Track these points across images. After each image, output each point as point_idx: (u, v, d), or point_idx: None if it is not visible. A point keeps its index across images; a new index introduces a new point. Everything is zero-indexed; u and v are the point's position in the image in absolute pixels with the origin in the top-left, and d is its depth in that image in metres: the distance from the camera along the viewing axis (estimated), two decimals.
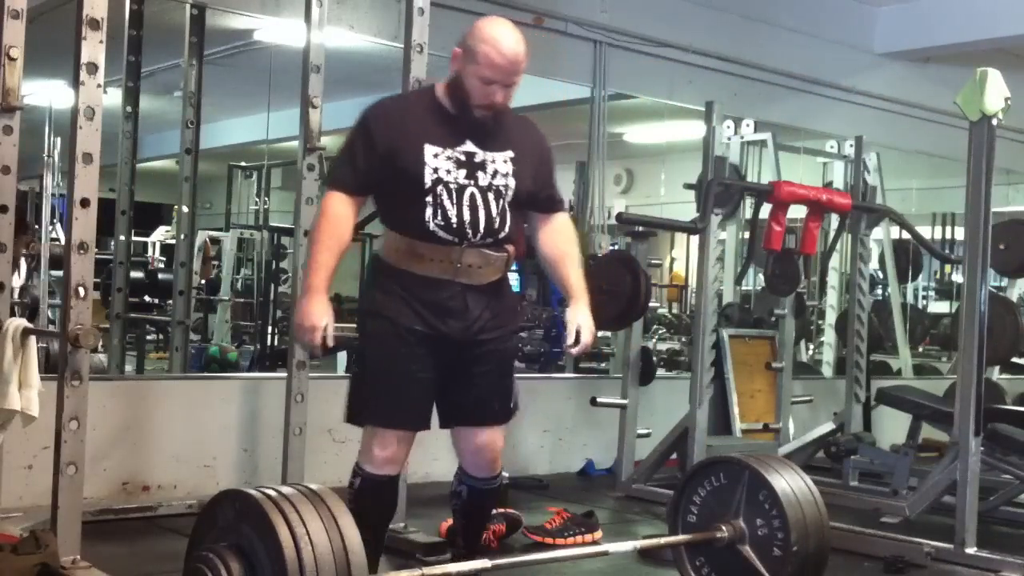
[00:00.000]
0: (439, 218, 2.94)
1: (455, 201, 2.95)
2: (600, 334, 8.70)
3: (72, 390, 3.21)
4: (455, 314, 2.99)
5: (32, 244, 5.84)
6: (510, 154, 3.04)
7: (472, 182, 2.98)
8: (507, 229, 3.03)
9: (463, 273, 2.98)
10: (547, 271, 3.26)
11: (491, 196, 3.00)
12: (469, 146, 3.00)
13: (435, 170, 2.95)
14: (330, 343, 2.92)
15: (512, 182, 3.03)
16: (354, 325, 3.23)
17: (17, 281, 5.60)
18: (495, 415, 3.12)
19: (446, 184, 2.95)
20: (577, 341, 3.08)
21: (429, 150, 2.96)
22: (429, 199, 2.94)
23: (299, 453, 4.31)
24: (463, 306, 2.99)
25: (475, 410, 3.09)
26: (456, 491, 3.23)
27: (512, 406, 3.15)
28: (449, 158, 2.97)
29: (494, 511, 4.28)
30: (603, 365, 8.02)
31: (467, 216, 2.96)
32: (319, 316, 2.90)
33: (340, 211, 2.96)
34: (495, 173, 3.01)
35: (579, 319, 3.10)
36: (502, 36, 2.93)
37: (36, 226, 6.93)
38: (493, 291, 3.05)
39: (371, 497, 3.05)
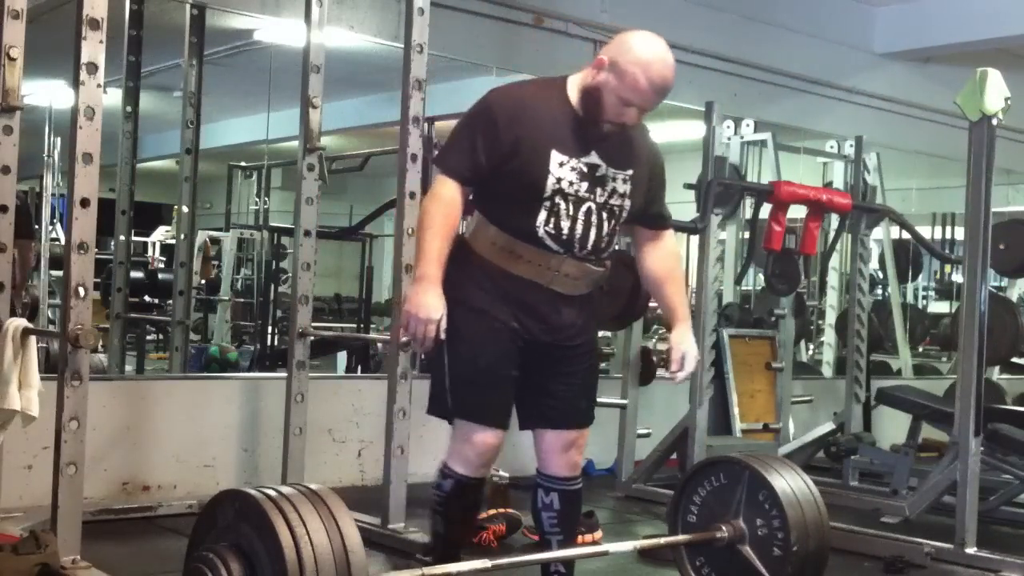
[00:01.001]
0: (551, 226, 2.84)
1: (571, 213, 2.84)
2: (600, 334, 8.74)
3: (72, 390, 3.20)
4: (546, 319, 2.91)
5: (34, 245, 5.82)
6: (630, 172, 2.93)
7: (591, 196, 2.87)
8: (612, 247, 2.98)
9: (558, 281, 2.89)
10: (649, 289, 3.19)
11: (605, 214, 2.90)
12: (594, 157, 2.87)
13: (558, 180, 2.82)
14: (442, 336, 2.78)
15: (628, 204, 2.93)
16: (354, 325, 3.21)
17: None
18: (585, 417, 3.07)
19: (565, 195, 2.83)
20: (681, 367, 3.01)
21: (556, 157, 2.82)
22: (546, 206, 2.83)
23: (299, 453, 4.31)
24: (554, 312, 2.92)
25: (566, 412, 3.02)
26: (547, 503, 3.06)
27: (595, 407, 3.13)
28: (574, 168, 2.84)
29: (495, 511, 4.29)
30: (603, 365, 8.03)
31: (579, 230, 2.86)
32: (436, 308, 2.75)
33: (454, 198, 2.82)
34: (613, 192, 2.90)
35: (684, 345, 3.02)
36: (655, 62, 2.80)
37: (36, 226, 6.93)
38: (584, 301, 2.99)
39: (465, 498, 2.99)
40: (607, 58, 2.83)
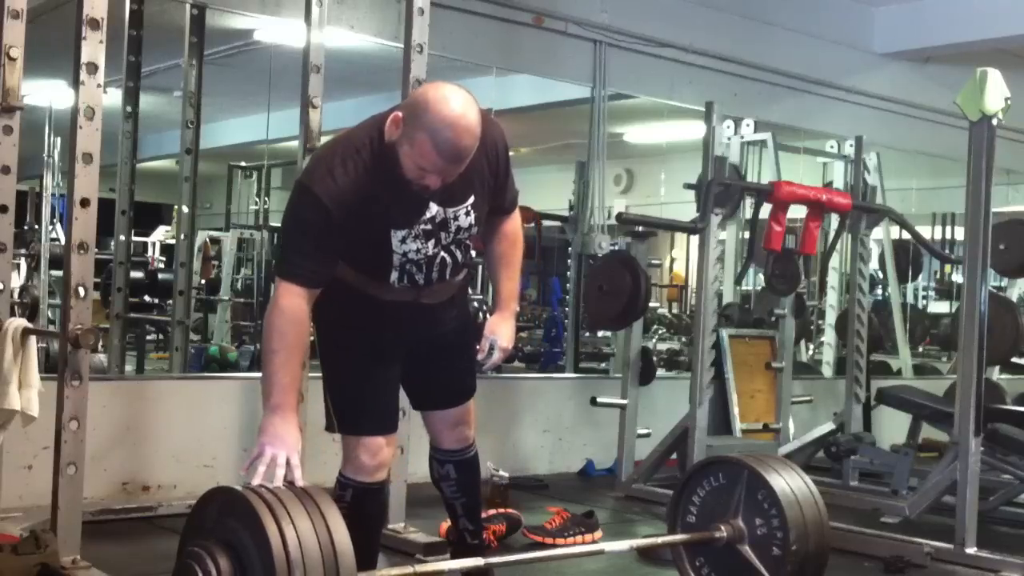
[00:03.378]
0: (405, 281, 2.85)
1: (424, 271, 2.85)
2: (600, 334, 8.73)
3: (72, 390, 3.21)
4: (420, 322, 2.97)
5: (32, 244, 5.82)
6: (470, 201, 2.84)
7: (438, 247, 2.84)
8: (469, 261, 2.99)
9: (425, 297, 2.93)
10: (488, 270, 3.18)
11: (456, 249, 2.88)
12: (432, 209, 2.78)
13: (404, 254, 2.79)
14: (295, 477, 2.57)
15: (476, 226, 2.89)
16: None
17: (17, 281, 5.57)
18: (468, 392, 3.16)
19: (415, 262, 2.83)
20: (490, 354, 2.98)
21: (395, 235, 2.76)
22: (395, 273, 2.83)
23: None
24: (428, 314, 2.97)
25: (446, 393, 3.12)
26: (443, 473, 3.21)
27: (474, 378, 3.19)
28: (416, 236, 2.78)
29: (495, 511, 4.29)
30: (603, 365, 8.02)
31: (434, 275, 2.87)
32: (294, 443, 2.59)
33: (303, 310, 2.66)
34: (458, 229, 2.85)
35: (497, 332, 2.99)
36: (443, 129, 2.55)
37: (36, 226, 6.94)
38: (452, 298, 3.05)
39: (368, 505, 2.99)
40: (402, 115, 2.63)
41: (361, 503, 2.95)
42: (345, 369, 2.93)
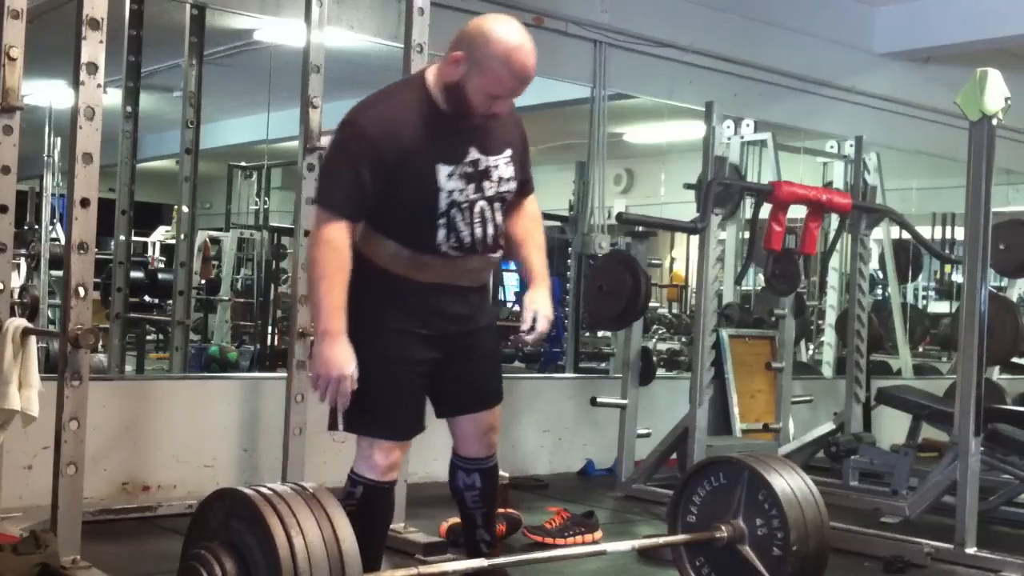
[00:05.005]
0: (452, 240, 2.82)
1: (468, 220, 2.83)
2: (600, 334, 8.72)
3: (72, 390, 3.21)
4: (455, 313, 2.93)
5: (32, 244, 5.81)
6: (508, 153, 2.90)
7: (480, 195, 2.84)
8: (500, 238, 2.96)
9: (465, 277, 2.92)
10: (509, 253, 3.12)
11: (496, 205, 2.89)
12: (473, 153, 2.82)
13: (450, 192, 2.78)
14: (354, 387, 2.72)
15: (514, 185, 2.93)
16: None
17: (17, 281, 5.57)
18: (497, 395, 3.10)
19: (459, 205, 2.80)
20: (533, 327, 2.93)
21: (442, 171, 2.77)
22: (442, 222, 2.80)
23: (299, 453, 4.31)
24: (462, 304, 2.94)
25: (478, 396, 3.06)
26: (469, 483, 3.12)
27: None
28: (461, 176, 2.80)
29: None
30: (603, 365, 8.02)
31: (478, 233, 2.85)
32: (347, 362, 2.70)
33: (344, 242, 2.71)
34: (500, 180, 2.88)
35: (537, 304, 2.95)
36: (514, 50, 2.69)
37: (36, 226, 6.93)
38: (482, 287, 3.05)
39: (376, 504, 2.98)
40: (462, 53, 2.71)
41: (371, 501, 2.94)
42: (371, 370, 2.80)
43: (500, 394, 3.12)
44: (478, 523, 3.19)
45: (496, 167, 2.87)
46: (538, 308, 2.94)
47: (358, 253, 2.80)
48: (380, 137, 2.72)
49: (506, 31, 2.71)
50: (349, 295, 2.74)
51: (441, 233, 2.81)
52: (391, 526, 3.98)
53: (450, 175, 2.79)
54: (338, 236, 2.70)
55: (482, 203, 2.85)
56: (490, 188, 2.86)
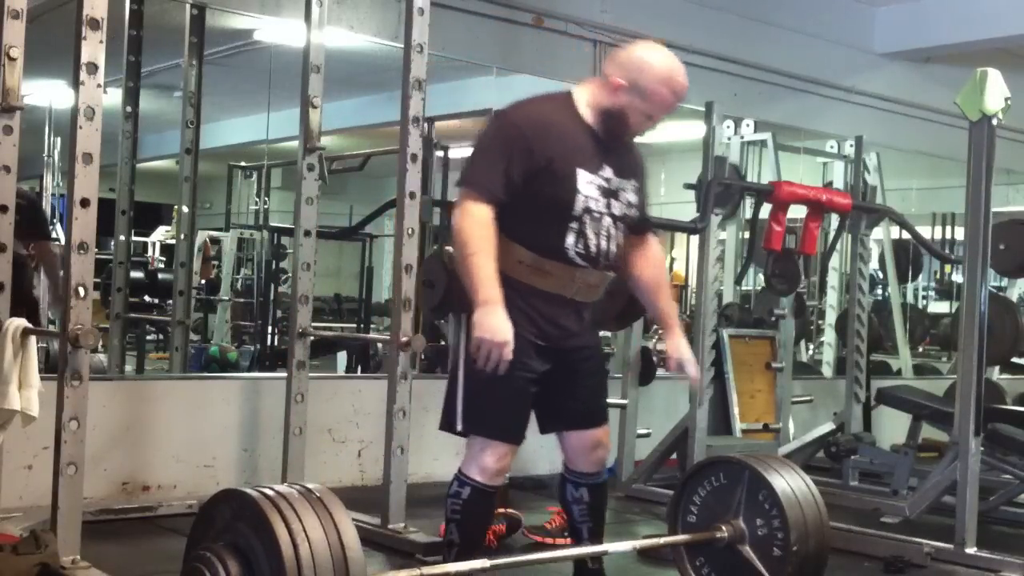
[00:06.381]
0: (580, 246, 2.96)
1: (596, 231, 2.97)
2: (600, 334, 8.73)
3: (72, 390, 3.20)
4: (566, 327, 3.04)
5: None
6: (634, 182, 3.07)
7: (609, 211, 3.00)
8: (615, 260, 3.11)
9: (581, 292, 3.03)
10: (640, 296, 3.29)
11: (620, 226, 3.05)
12: (608, 171, 3.00)
13: (586, 197, 2.94)
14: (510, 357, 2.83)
15: (635, 213, 3.08)
16: (354, 325, 3.24)
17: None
18: (604, 414, 3.23)
19: (592, 213, 2.96)
20: (681, 369, 3.16)
21: (582, 176, 2.94)
22: (574, 226, 2.95)
23: (299, 453, 4.31)
24: (574, 319, 3.05)
25: (584, 414, 3.16)
26: (577, 496, 3.23)
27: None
28: (597, 186, 2.97)
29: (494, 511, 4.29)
30: None
31: (603, 245, 3.00)
32: (506, 330, 2.81)
33: (489, 219, 2.86)
34: (627, 203, 3.05)
35: (681, 351, 3.16)
36: (674, 74, 2.97)
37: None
38: (590, 307, 3.14)
39: (481, 506, 3.08)
40: (624, 81, 2.93)
41: (476, 503, 3.05)
42: (493, 377, 2.89)
43: (605, 415, 3.24)
44: (584, 536, 3.28)
45: (624, 190, 3.04)
46: (683, 355, 3.16)
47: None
48: (531, 132, 2.90)
49: (662, 58, 2.99)
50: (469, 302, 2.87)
51: (571, 238, 2.95)
52: (391, 526, 4.01)
53: (589, 181, 2.95)
54: (484, 213, 2.86)
55: (609, 219, 3.00)
56: (618, 208, 3.02)
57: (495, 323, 2.80)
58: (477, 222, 2.84)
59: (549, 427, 3.18)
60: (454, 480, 3.09)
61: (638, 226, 3.17)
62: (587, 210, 2.94)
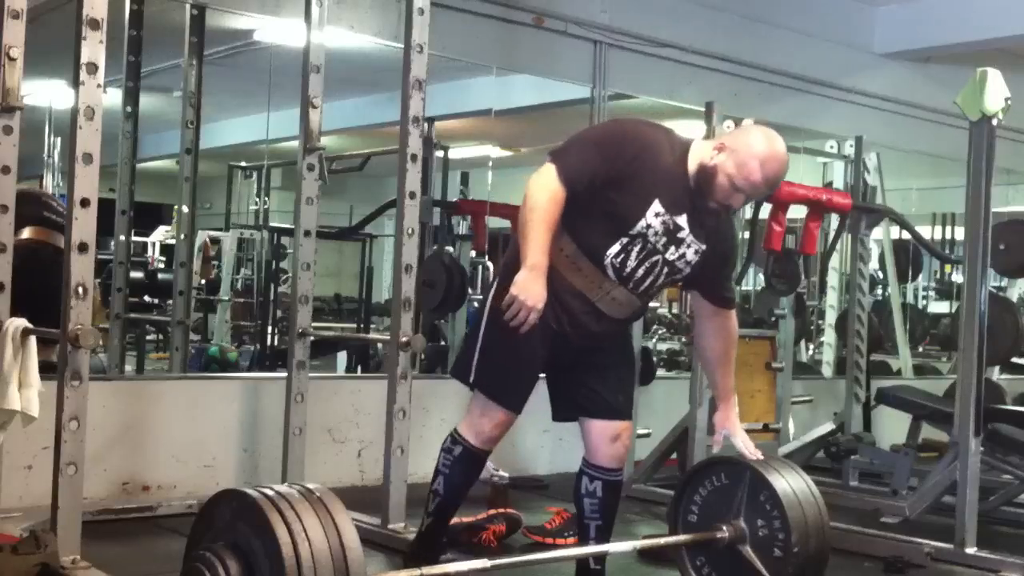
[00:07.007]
0: (618, 260, 3.06)
1: (640, 257, 3.07)
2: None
3: (72, 390, 3.20)
4: (585, 327, 3.13)
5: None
6: (703, 247, 3.14)
7: (664, 251, 3.09)
8: (647, 307, 3.27)
9: (604, 302, 3.12)
10: (701, 363, 3.42)
11: (667, 269, 3.13)
12: (682, 220, 3.08)
13: (648, 226, 3.04)
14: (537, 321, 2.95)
15: (688, 271, 3.17)
16: (354, 325, 3.27)
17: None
18: (624, 410, 3.30)
19: (646, 240, 3.06)
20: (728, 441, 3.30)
21: (655, 207, 3.04)
22: (624, 240, 3.05)
23: (299, 453, 4.31)
24: (595, 323, 3.14)
25: (604, 403, 3.25)
26: (590, 490, 3.29)
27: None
28: (663, 222, 3.05)
29: (495, 511, 4.29)
30: None
31: (640, 273, 3.10)
32: (540, 298, 2.93)
33: (560, 195, 2.97)
34: (682, 257, 3.12)
35: (728, 425, 3.36)
36: (772, 159, 3.03)
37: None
38: (618, 325, 3.23)
39: (468, 466, 3.23)
40: (728, 144, 3.04)
41: (464, 462, 3.22)
42: (504, 334, 3.03)
43: (625, 411, 3.30)
44: (591, 534, 3.33)
45: (689, 246, 3.12)
46: (731, 429, 3.35)
47: None
48: (633, 147, 3.03)
49: (766, 140, 3.06)
50: (509, 268, 3.03)
51: (615, 248, 3.05)
52: (391, 526, 4.01)
53: (658, 214, 3.04)
54: (558, 191, 2.96)
55: (659, 257, 3.10)
56: (672, 255, 3.11)
57: (534, 288, 2.91)
58: (550, 195, 2.96)
59: (564, 412, 3.31)
60: (448, 437, 3.28)
61: (722, 299, 3.28)
62: (643, 236, 3.04)
